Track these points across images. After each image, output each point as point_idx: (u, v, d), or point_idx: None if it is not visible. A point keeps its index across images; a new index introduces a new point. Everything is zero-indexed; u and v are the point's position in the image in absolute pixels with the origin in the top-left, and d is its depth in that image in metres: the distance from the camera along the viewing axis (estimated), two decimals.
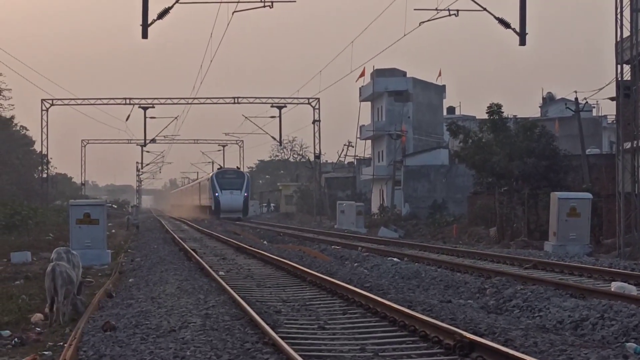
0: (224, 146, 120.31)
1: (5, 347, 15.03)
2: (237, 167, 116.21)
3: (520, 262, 29.02)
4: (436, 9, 36.82)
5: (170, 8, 32.78)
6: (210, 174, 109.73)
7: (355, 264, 29.43)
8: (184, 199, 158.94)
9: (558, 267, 26.81)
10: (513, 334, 14.09)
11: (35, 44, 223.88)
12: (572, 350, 12.65)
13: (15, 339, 15.62)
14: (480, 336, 13.00)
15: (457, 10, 36.15)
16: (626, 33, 34.47)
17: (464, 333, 12.96)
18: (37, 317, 17.78)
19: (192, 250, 35.38)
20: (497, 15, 34.57)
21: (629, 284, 21.19)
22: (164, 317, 16.78)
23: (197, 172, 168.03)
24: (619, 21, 34.05)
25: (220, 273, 25.43)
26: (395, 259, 30.53)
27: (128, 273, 27.77)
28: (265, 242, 42.86)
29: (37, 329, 16.81)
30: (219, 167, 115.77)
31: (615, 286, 20.63)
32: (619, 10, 33.92)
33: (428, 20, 37.88)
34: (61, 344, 14.08)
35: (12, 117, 78.70)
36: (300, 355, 12.08)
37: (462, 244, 41.96)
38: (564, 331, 15.41)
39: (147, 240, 48.02)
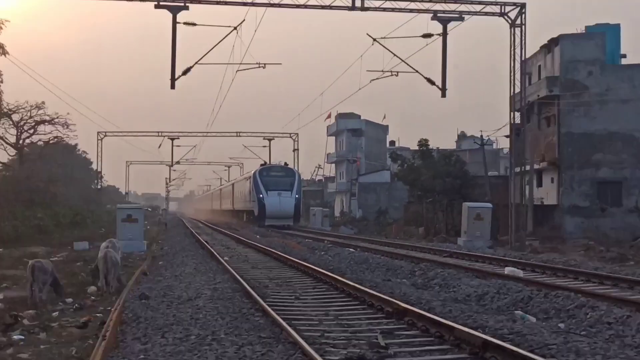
0: (229, 167, 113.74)
1: (69, 311, 14.94)
2: (285, 162, 69.60)
3: (440, 252, 29.15)
4: (382, 71, 36.94)
5: (191, 67, 32.83)
6: (251, 172, 66.49)
7: (322, 253, 29.38)
8: (214, 203, 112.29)
9: (467, 256, 26.93)
10: (434, 303, 14.17)
11: (92, 88, 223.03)
12: (476, 315, 12.74)
13: (76, 305, 15.52)
14: (411, 305, 13.02)
15: (397, 72, 36.27)
16: (517, 89, 34.68)
17: (400, 303, 13.02)
18: (92, 289, 17.69)
19: (205, 242, 35.28)
20: (425, 76, 34.67)
21: (517, 268, 21.30)
22: (184, 290, 16.83)
23: (209, 186, 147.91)
24: (512, 81, 34.25)
25: (225, 258, 25.33)
26: (351, 249, 30.48)
27: (158, 258, 27.66)
28: (258, 236, 42.65)
29: (92, 297, 16.71)
30: (262, 162, 69.47)
31: (507, 270, 20.78)
32: (512, 73, 34.13)
33: (377, 79, 38.00)
34: (109, 308, 14.01)
35: (76, 144, 78.26)
36: (281, 318, 12.11)
37: (399, 239, 41.89)
38: (471, 302, 15.46)
39: (172, 235, 47.87)
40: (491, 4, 33.19)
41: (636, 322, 11.86)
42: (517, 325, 11.78)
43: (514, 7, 33.39)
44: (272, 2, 31.82)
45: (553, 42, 43.43)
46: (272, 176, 61.14)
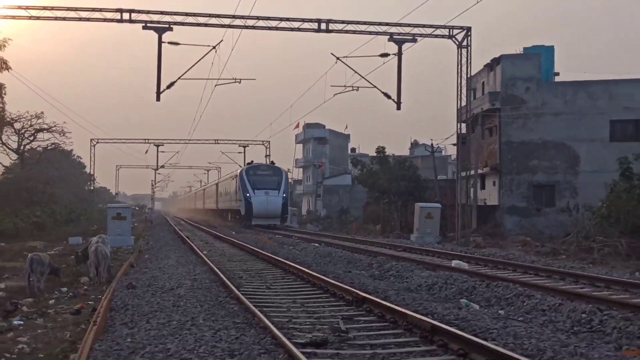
0: (208, 171, 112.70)
1: (64, 299, 14.91)
2: (272, 161, 63.32)
3: (395, 247, 29.22)
4: (344, 86, 37.04)
5: (174, 82, 32.68)
6: (237, 171, 59.14)
7: (291, 247, 29.34)
8: (197, 203, 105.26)
9: (418, 251, 26.97)
10: (390, 292, 14.23)
11: (85, 99, 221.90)
12: (426, 303, 12.81)
13: (70, 293, 15.59)
14: (369, 294, 13.06)
15: (358, 87, 36.41)
16: (464, 103, 34.88)
17: (359, 292, 13.05)
18: (85, 279, 17.65)
19: (186, 237, 35.14)
20: (383, 91, 34.77)
21: (463, 261, 21.35)
22: (167, 280, 16.74)
23: (190, 187, 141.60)
24: (459, 95, 34.46)
25: (204, 252, 25.21)
26: (316, 244, 30.48)
27: (144, 251, 27.53)
28: (233, 232, 42.51)
29: (85, 287, 16.67)
30: (249, 162, 61.17)
31: (454, 263, 20.85)
32: (458, 89, 34.34)
33: (339, 93, 38.06)
34: (100, 297, 13.98)
35: (72, 150, 77.84)
36: (253, 305, 12.09)
37: (358, 236, 41.92)
38: (422, 291, 15.55)
39: (157, 231, 47.61)
40: (441, 27, 33.38)
41: (567, 309, 11.99)
42: (462, 312, 11.87)
43: (461, 30, 33.60)
44: (247, 24, 31.75)
45: (495, 62, 43.80)
46: (259, 175, 52.82)
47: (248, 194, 50.75)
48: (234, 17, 31.59)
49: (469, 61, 33.81)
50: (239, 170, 55.51)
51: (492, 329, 10.18)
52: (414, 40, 33.48)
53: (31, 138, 62.05)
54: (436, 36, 33.54)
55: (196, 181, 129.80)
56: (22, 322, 12.11)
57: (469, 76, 34.48)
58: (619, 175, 31.52)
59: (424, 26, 33.27)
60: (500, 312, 12.56)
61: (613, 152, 36.38)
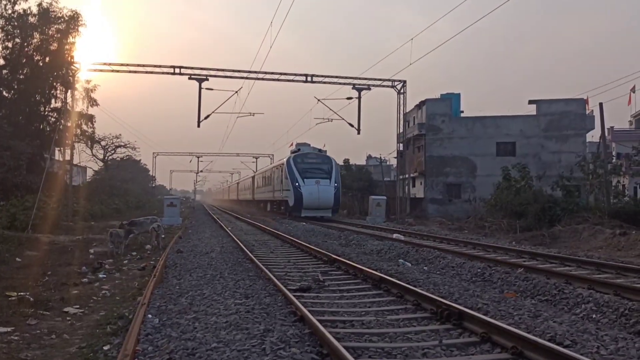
0: (232, 174, 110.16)
1: (134, 260, 14.75)
2: (320, 149, 38.97)
3: (355, 225, 29.12)
4: (323, 118, 36.94)
5: (209, 115, 32.48)
6: (283, 159, 38.36)
7: (286, 225, 29.24)
8: (231, 195, 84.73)
9: (371, 227, 26.87)
10: (352, 255, 14.17)
11: (149, 124, 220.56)
12: (376, 262, 12.77)
13: (138, 256, 15.36)
14: (338, 256, 13.01)
15: (332, 119, 36.45)
16: (401, 130, 34.89)
17: (331, 254, 13.02)
18: (148, 246, 17.44)
19: (217, 219, 34.90)
20: (348, 121, 34.76)
21: (400, 235, 21.32)
22: (203, 247, 16.59)
23: (227, 181, 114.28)
24: (398, 125, 34.49)
25: (229, 229, 25.09)
26: (303, 223, 30.40)
27: (189, 227, 27.32)
28: (249, 215, 42.18)
29: (148, 252, 16.50)
30: (295, 149, 38.76)
31: (395, 235, 20.81)
32: (398, 120, 34.35)
33: (319, 123, 37.95)
34: (158, 258, 13.82)
35: (140, 159, 77.42)
36: (261, 264, 12.02)
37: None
38: (373, 254, 15.50)
39: (197, 215, 47.25)
40: (386, 80, 33.51)
41: (468, 266, 12.03)
42: (400, 268, 11.87)
43: (400, 82, 33.77)
44: (259, 77, 31.74)
45: (422, 103, 43.90)
46: (308, 163, 35.07)
47: (297, 184, 33.84)
48: (249, 72, 31.62)
49: (404, 102, 33.97)
50: (285, 159, 36.71)
51: (420, 279, 10.19)
52: (369, 89, 33.62)
53: (112, 151, 62.15)
54: (383, 86, 33.64)
55: (224, 181, 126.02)
56: (105, 276, 11.98)
57: (404, 112, 34.59)
58: (502, 178, 31.89)
59: (375, 79, 33.47)
60: (424, 268, 12.58)
61: (498, 163, 36.59)
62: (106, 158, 61.38)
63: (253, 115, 39.88)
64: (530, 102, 41.79)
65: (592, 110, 40.20)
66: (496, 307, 7.70)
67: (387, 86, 33.72)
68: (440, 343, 5.87)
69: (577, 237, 21.31)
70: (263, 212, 45.66)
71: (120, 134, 61.37)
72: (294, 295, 8.37)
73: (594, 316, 7.55)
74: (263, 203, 48.88)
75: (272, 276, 10.22)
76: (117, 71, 30.56)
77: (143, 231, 18.23)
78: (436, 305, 7.20)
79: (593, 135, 45.63)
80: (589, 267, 12.04)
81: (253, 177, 57.12)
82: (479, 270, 11.46)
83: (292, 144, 48.66)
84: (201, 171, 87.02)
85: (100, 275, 12.00)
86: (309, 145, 38.66)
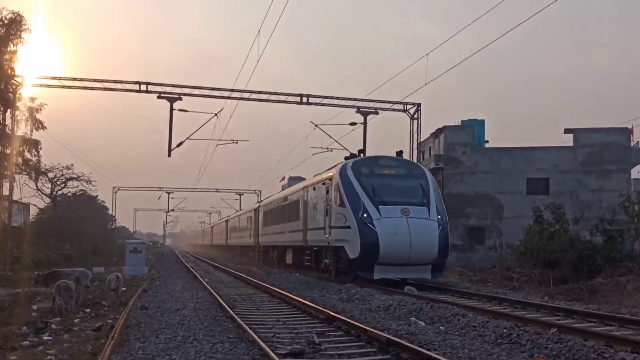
0: (210, 214, 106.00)
1: (87, 318, 14.63)
2: (400, 151, 24.68)
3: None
4: (321, 147, 37.23)
5: (182, 142, 32.61)
6: (328, 171, 23.82)
7: (276, 276, 29.07)
8: (205, 239, 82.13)
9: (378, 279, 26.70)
10: (354, 312, 14.10)
11: (108, 153, 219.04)
12: (383, 321, 12.77)
13: (93, 314, 15.25)
14: (338, 314, 12.94)
15: (332, 149, 36.48)
16: (415, 160, 35.22)
17: (330, 312, 12.94)
18: (105, 302, 17.37)
19: (191, 268, 34.78)
20: (352, 152, 34.89)
21: (413, 287, 20.78)
22: (174, 302, 16.55)
23: (203, 223, 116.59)
24: (410, 156, 34.78)
25: (205, 280, 25.01)
26: (297, 274, 30.21)
27: (156, 279, 27.21)
28: (229, 263, 41.98)
29: (105, 308, 16.39)
30: (353, 154, 28.01)
31: (406, 289, 20.45)
32: (411, 151, 34.64)
33: (317, 153, 38.22)
34: (117, 316, 13.74)
35: (97, 195, 77.20)
36: (244, 323, 12.00)
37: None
38: (380, 311, 15.44)
39: (167, 262, 47.08)
40: (397, 103, 33.89)
41: (492, 325, 12.02)
42: (411, 328, 11.85)
43: (413, 105, 34.15)
44: (243, 96, 31.97)
45: (439, 130, 44.25)
46: (385, 176, 22.18)
47: (365, 214, 20.75)
48: (232, 90, 31.74)
49: (419, 129, 34.25)
50: (335, 168, 24.01)
51: (435, 342, 10.19)
52: (377, 112, 33.92)
53: (62, 185, 61.57)
54: (394, 110, 33.99)
55: (200, 222, 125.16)
56: (50, 338, 11.83)
57: (419, 142, 34.91)
58: (533, 220, 32.03)
59: (384, 102, 33.74)
60: (441, 327, 12.55)
61: (529, 203, 36.73)
62: (54, 193, 60.90)
63: (236, 143, 40.00)
64: (567, 131, 42.17)
65: (638, 142, 40.62)
66: None
67: (398, 110, 34.10)
68: None
69: (620, 290, 21.34)
70: (275, 265, 36.50)
71: (72, 164, 60.51)
72: None
73: None
74: (277, 250, 37.14)
75: (257, 338, 10.18)
76: (69, 87, 30.38)
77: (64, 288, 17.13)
78: None
79: (639, 172, 46.07)
80: (633, 327, 12.08)
81: (256, 210, 45.35)
82: (505, 330, 11.44)
83: (283, 178, 48.00)
84: (172, 210, 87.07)
85: (45, 337, 11.86)
86: (305, 179, 33.51)
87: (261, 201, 47.62)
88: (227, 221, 68.06)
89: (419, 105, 34.21)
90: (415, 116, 34.24)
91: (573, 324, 12.51)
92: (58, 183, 60.77)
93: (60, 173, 59.76)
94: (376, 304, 16.70)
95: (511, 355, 9.39)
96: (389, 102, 33.84)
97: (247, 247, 49.83)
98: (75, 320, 14.09)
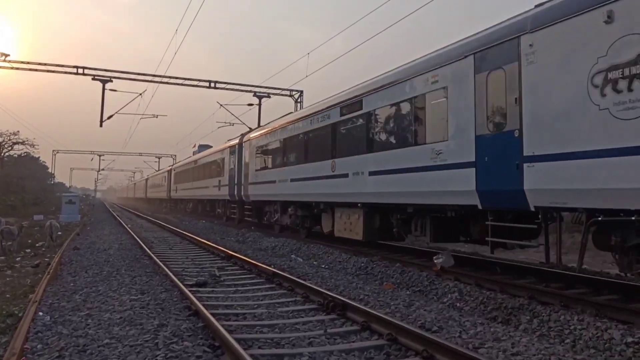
0: (134, 173, 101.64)
1: (27, 257, 13.55)
2: None
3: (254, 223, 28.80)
4: (225, 122, 35.92)
5: (112, 115, 30.56)
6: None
7: (187, 223, 28.29)
8: (137, 192, 71.59)
9: (265, 226, 26.67)
10: (248, 252, 14.01)
11: (51, 122, 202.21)
12: (270, 258, 12.72)
13: (33, 254, 14.16)
14: (235, 252, 12.78)
15: (233, 123, 35.42)
16: None
17: (228, 251, 12.78)
18: (42, 244, 16.13)
19: (117, 216, 33.05)
20: (249, 126, 34.30)
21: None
22: (101, 244, 15.63)
23: (131, 179, 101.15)
24: None
25: (129, 226, 23.85)
26: (203, 221, 29.53)
27: (87, 225, 25.63)
28: (149, 212, 40.36)
29: (43, 249, 15.24)
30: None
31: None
32: None
33: (221, 126, 36.40)
34: (53, 256, 12.81)
35: (39, 157, 71.76)
36: (159, 260, 11.52)
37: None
38: (268, 250, 15.42)
39: (97, 212, 44.55)
40: (285, 90, 33.65)
41: (352, 261, 12.31)
42: (292, 263, 11.90)
43: (297, 92, 34.05)
44: (163, 81, 30.53)
45: None
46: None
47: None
48: (154, 75, 30.35)
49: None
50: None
51: (309, 273, 10.27)
52: (269, 96, 33.56)
53: (9, 148, 57.31)
54: (282, 94, 33.75)
55: (125, 179, 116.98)
56: None
57: None
58: None
59: (275, 88, 33.52)
60: (314, 262, 12.71)
61: None
62: (2, 155, 56.51)
63: (156, 117, 38.24)
64: None
65: None
66: (376, 298, 7.92)
67: (286, 95, 33.88)
68: (325, 332, 5.92)
69: None
70: (185, 214, 33.82)
71: (18, 131, 56.85)
72: (190, 290, 8.08)
73: (457, 304, 8.01)
74: (185, 202, 34.29)
75: (169, 272, 9.81)
76: (18, 69, 27.98)
77: None
78: (323, 297, 7.27)
79: None
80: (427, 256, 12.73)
81: (169, 171, 39.92)
82: (362, 264, 11.76)
83: (194, 145, 46.66)
84: (103, 169, 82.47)
85: None
86: (211, 147, 34.99)
87: (174, 164, 47.04)
88: (146, 179, 65.58)
89: (301, 92, 34.31)
90: (299, 100, 34.21)
91: (412, 259, 13.03)
92: (5, 146, 56.76)
93: (8, 138, 56.20)
94: (265, 245, 16.65)
95: (367, 283, 9.62)
96: (279, 88, 33.66)
97: (162, 200, 48.48)
98: (17, 259, 13.05)
